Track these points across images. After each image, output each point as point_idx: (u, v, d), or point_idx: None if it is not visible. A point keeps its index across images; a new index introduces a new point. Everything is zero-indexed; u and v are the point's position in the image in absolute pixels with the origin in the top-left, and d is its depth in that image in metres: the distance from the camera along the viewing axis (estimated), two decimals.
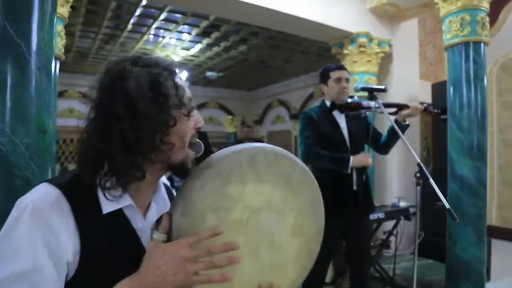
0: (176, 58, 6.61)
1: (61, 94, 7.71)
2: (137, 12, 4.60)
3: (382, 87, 2.29)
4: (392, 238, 3.57)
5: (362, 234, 2.50)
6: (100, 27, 5.07)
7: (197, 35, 5.45)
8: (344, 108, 2.46)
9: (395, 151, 4.58)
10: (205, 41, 5.70)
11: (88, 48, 6.06)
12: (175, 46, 5.96)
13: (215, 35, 5.42)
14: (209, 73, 7.65)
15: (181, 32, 5.35)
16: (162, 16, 4.73)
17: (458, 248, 3.08)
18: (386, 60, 4.63)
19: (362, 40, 4.29)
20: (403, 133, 2.43)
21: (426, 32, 5.55)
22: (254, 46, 5.91)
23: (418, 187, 2.06)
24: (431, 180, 1.94)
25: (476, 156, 3.04)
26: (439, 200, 1.75)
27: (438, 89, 4.32)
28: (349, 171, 2.29)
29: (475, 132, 3.07)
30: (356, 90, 2.34)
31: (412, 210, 3.47)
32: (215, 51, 6.22)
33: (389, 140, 2.48)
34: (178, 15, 4.76)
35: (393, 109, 2.49)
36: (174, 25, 5.05)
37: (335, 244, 2.46)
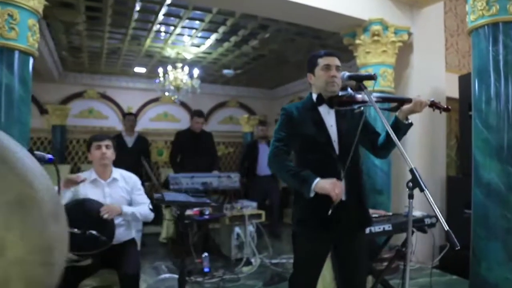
0: (188, 56, 6.41)
1: (80, 95, 7.77)
2: (137, 7, 4.42)
3: (371, 74, 1.88)
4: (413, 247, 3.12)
5: (355, 254, 2.09)
6: (104, 26, 4.95)
7: (204, 30, 5.20)
8: (334, 102, 2.06)
9: (415, 151, 4.10)
10: (214, 36, 5.44)
11: (99, 47, 5.99)
12: (184, 42, 5.74)
13: (222, 29, 5.14)
14: (225, 71, 7.39)
15: (185, 27, 5.11)
16: (163, 10, 4.51)
17: (484, 268, 2.61)
18: (405, 50, 4.14)
19: (376, 28, 3.84)
20: (405, 132, 2.02)
21: (458, 20, 4.97)
22: (266, 41, 5.57)
23: (411, 201, 1.65)
24: (426, 192, 1.54)
25: (505, 159, 2.56)
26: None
27: (466, 81, 3.78)
28: (310, 195, 1.87)
29: (504, 130, 2.59)
30: (343, 79, 1.96)
31: (428, 220, 2.99)
32: (227, 47, 5.94)
33: (388, 142, 2.06)
34: (181, 9, 4.53)
35: (393, 104, 2.09)
36: (177, 20, 4.82)
37: (319, 267, 2.07)
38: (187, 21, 4.88)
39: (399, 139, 2.04)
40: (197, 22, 4.94)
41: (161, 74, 6.15)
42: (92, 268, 2.50)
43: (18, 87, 2.68)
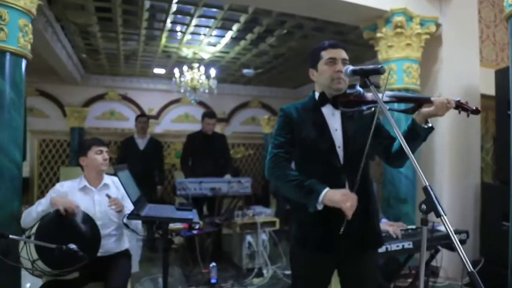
0: (205, 55, 6.24)
1: (101, 97, 7.81)
2: (147, 6, 4.27)
3: (378, 66, 1.56)
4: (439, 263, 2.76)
5: (361, 278, 1.78)
6: (117, 27, 4.86)
7: (218, 28, 5.00)
8: (340, 102, 1.76)
9: (445, 154, 3.68)
10: (229, 34, 5.22)
11: (115, 49, 5.93)
12: (200, 41, 5.57)
13: (236, 26, 4.91)
14: (245, 71, 7.17)
15: (198, 26, 4.93)
16: (173, 8, 4.34)
17: None
18: (432, 43, 3.73)
19: (399, 19, 3.47)
20: (424, 138, 1.68)
21: (496, 10, 4.47)
22: (284, 38, 5.28)
23: (425, 228, 1.33)
24: (444, 218, 1.21)
25: None
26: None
27: (504, 76, 3.33)
28: (318, 209, 1.60)
29: None
30: (347, 74, 1.66)
31: (457, 237, 2.61)
32: (243, 45, 5.71)
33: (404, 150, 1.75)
34: (191, 7, 4.34)
35: (410, 105, 1.76)
36: (188, 18, 4.64)
37: None
38: (199, 19, 4.68)
39: (417, 146, 1.73)
40: (210, 20, 4.73)
41: (177, 75, 6.01)
42: (80, 281, 2.35)
43: (9, 90, 2.56)
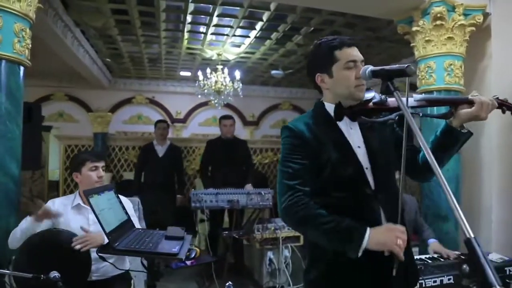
0: (230, 56, 5.98)
1: (129, 101, 7.78)
2: (163, 6, 4.07)
3: (404, 66, 1.20)
4: None
5: None
6: (135, 29, 4.71)
7: (240, 27, 4.71)
8: (357, 112, 1.40)
9: (494, 167, 3.16)
10: (252, 33, 4.92)
11: (138, 52, 5.82)
12: (222, 42, 5.31)
13: (259, 25, 4.61)
14: (273, 72, 6.84)
15: (219, 25, 4.67)
16: (190, 8, 4.11)
17: None
18: (479, 36, 3.23)
19: (438, 9, 3.01)
20: (461, 145, 1.39)
21: None
22: (311, 36, 4.90)
23: None
24: (489, 273, 0.81)
25: None
26: None
27: None
28: (359, 255, 1.22)
29: None
30: (365, 77, 1.31)
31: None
32: (269, 45, 5.39)
33: (438, 159, 1.35)
34: (208, 5, 4.09)
35: (444, 109, 1.43)
36: (208, 17, 4.39)
37: None
38: (219, 18, 4.42)
39: (450, 156, 1.43)
40: (231, 19, 4.46)
41: (201, 78, 5.80)
42: None
43: (4, 100, 2.41)
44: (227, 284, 3.48)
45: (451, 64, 3.10)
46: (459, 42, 3.10)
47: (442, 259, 2.26)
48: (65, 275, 1.73)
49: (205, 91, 5.77)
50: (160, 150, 4.69)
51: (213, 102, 6.18)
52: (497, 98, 1.36)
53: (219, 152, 4.25)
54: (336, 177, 1.35)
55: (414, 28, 3.22)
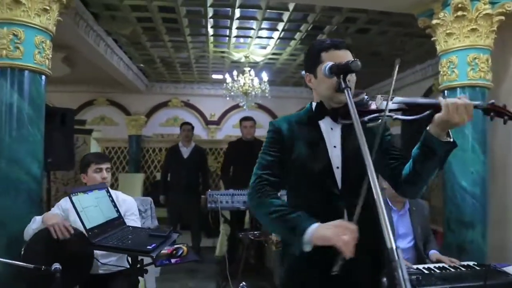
0: (258, 58, 6.00)
1: (165, 104, 8.07)
2: (184, 11, 4.18)
3: (349, 61, 1.16)
4: None
5: None
6: (161, 35, 4.88)
7: (262, 28, 4.72)
8: (340, 113, 1.38)
9: None
10: (275, 34, 4.90)
11: (168, 56, 6.02)
12: (247, 44, 5.35)
13: (281, 26, 4.58)
14: (303, 72, 6.74)
15: (241, 28, 4.71)
16: (210, 12, 4.18)
17: None
18: (507, 28, 2.97)
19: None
20: (444, 157, 1.26)
21: None
22: (335, 35, 4.79)
23: None
24: None
25: None
26: None
27: None
28: (305, 250, 1.21)
29: None
30: (325, 74, 1.28)
31: None
32: (294, 46, 5.33)
33: (416, 173, 1.30)
34: (227, 9, 4.14)
35: (425, 112, 1.28)
36: (228, 20, 4.44)
37: None
38: (239, 21, 4.46)
39: (433, 167, 1.31)
40: (251, 21, 4.48)
41: (228, 80, 5.88)
42: None
43: (26, 107, 2.61)
44: (241, 284, 3.50)
45: (475, 58, 2.88)
46: (484, 34, 2.87)
47: (450, 268, 2.10)
48: (68, 268, 1.84)
49: (232, 93, 5.84)
50: (185, 151, 4.81)
51: (240, 104, 6.24)
52: (492, 103, 1.21)
53: (240, 153, 4.28)
54: (306, 173, 1.38)
55: (434, 21, 3.04)
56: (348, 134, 1.41)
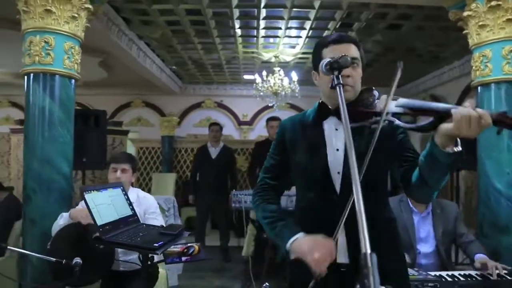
0: (288, 58, 5.96)
1: (199, 105, 8.22)
2: (210, 13, 4.24)
3: (338, 56, 1.12)
4: None
5: None
6: (190, 37, 4.98)
7: (289, 28, 4.68)
8: (337, 115, 1.34)
9: None
10: (303, 33, 4.85)
11: (199, 58, 6.13)
12: (276, 44, 5.33)
13: (308, 24, 4.52)
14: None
15: (268, 28, 4.70)
16: (236, 13, 4.21)
17: None
18: None
19: None
20: (449, 167, 1.14)
21: None
22: (365, 31, 4.66)
23: None
24: None
25: None
26: None
27: None
28: (291, 258, 1.22)
29: None
30: (323, 72, 1.24)
31: None
32: None
33: (423, 179, 1.20)
34: (253, 9, 4.15)
35: (428, 120, 1.15)
36: (255, 21, 4.45)
37: None
38: (265, 21, 4.46)
39: (440, 176, 1.18)
40: (278, 20, 4.46)
41: (258, 80, 5.89)
42: None
43: (57, 109, 2.75)
44: (264, 285, 3.49)
45: (511, 51, 2.68)
46: None
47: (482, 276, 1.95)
48: (89, 263, 1.92)
49: (261, 93, 5.84)
50: (214, 151, 4.87)
51: (270, 104, 6.24)
52: (504, 113, 1.04)
53: (266, 153, 4.27)
54: (306, 177, 1.37)
55: (466, 13, 2.86)
56: (354, 137, 1.34)
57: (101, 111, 4.77)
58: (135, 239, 1.60)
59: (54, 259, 1.94)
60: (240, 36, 4.97)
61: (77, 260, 1.91)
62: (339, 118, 1.36)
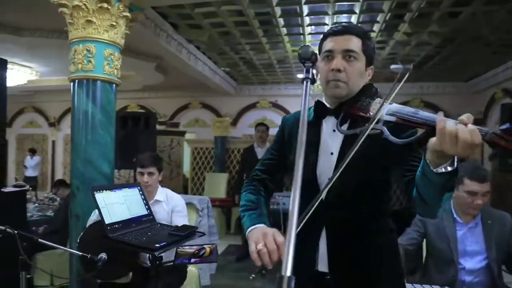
0: None
1: (253, 106, 8.29)
2: (252, 13, 4.23)
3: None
4: None
5: None
6: (236, 38, 5.02)
7: (335, 23, 4.47)
8: (337, 114, 1.22)
9: None
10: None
11: (249, 59, 6.16)
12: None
13: (354, 18, 4.29)
14: (393, 66, 6.17)
15: (312, 25, 4.55)
16: (278, 11, 4.15)
17: None
18: None
19: None
20: (443, 187, 0.98)
21: None
22: (417, 22, 4.29)
23: None
24: None
25: None
26: None
27: None
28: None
29: None
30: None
31: None
32: (376, 38, 4.93)
33: (421, 196, 1.05)
34: (295, 6, 4.04)
35: (417, 135, 1.03)
36: (299, 18, 4.34)
37: None
38: (309, 17, 4.32)
39: (435, 193, 1.02)
40: (322, 16, 4.30)
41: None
42: (131, 286, 2.46)
43: (99, 113, 2.94)
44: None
45: None
46: None
47: None
48: (116, 258, 2.02)
49: (311, 91, 5.69)
50: (260, 152, 4.86)
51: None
52: (505, 130, 0.91)
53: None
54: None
55: None
56: (350, 140, 1.22)
57: (151, 113, 5.03)
58: (140, 239, 1.64)
59: (80, 253, 2.07)
60: (286, 34, 4.88)
61: (102, 255, 2.01)
62: (337, 118, 1.25)
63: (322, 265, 1.20)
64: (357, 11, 4.08)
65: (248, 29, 4.72)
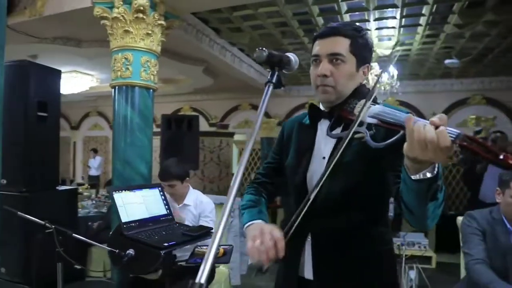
0: (386, 52, 5.48)
1: (303, 106, 8.23)
2: (290, 13, 4.21)
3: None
4: None
5: None
6: (278, 39, 5.02)
7: (377, 19, 4.31)
8: (331, 117, 1.17)
9: None
10: (392, 23, 4.40)
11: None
12: None
13: (398, 13, 4.09)
14: (447, 61, 5.79)
15: (354, 21, 4.40)
16: (315, 11, 4.09)
17: None
18: None
19: None
20: (423, 195, 0.89)
21: None
22: (468, 12, 3.96)
23: None
24: None
25: None
26: None
27: None
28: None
29: None
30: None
31: None
32: (423, 32, 4.64)
33: (406, 205, 0.96)
34: (333, 4, 3.96)
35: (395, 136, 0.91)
36: (338, 16, 4.24)
37: None
38: (348, 15, 4.20)
39: (422, 204, 0.92)
40: (361, 12, 4.16)
41: None
42: (159, 283, 2.58)
43: (136, 116, 3.14)
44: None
45: None
46: None
47: None
48: (143, 254, 2.15)
49: (381, 91, 5.52)
50: None
51: None
52: (479, 132, 0.78)
53: None
54: (289, 183, 1.26)
55: None
56: (341, 145, 1.17)
57: (194, 115, 5.21)
58: (153, 237, 1.72)
59: (108, 248, 2.23)
60: None
61: (130, 251, 2.14)
62: (331, 120, 1.22)
63: (307, 272, 1.17)
64: (399, 4, 3.88)
65: (288, 30, 4.71)
